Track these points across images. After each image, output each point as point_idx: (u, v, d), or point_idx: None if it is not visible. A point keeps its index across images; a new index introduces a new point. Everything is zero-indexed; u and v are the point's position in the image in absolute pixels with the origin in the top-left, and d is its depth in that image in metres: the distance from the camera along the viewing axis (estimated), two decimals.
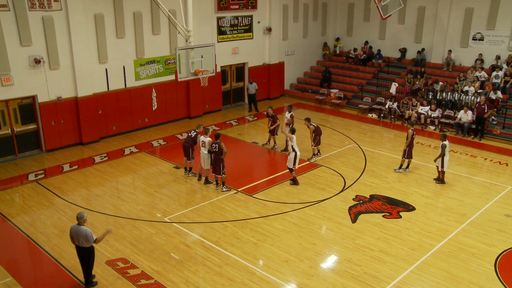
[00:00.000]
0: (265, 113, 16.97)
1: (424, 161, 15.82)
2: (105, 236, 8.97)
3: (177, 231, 11.33)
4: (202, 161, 13.88)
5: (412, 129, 14.67)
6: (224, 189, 13.42)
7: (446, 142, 13.83)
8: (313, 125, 15.53)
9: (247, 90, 22.54)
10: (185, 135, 18.49)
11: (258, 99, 22.84)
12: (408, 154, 14.81)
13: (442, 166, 13.93)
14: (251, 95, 22.25)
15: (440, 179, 14.15)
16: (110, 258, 10.17)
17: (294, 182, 13.90)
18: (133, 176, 14.86)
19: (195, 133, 14.09)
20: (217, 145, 13.12)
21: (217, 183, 13.62)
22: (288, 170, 14.06)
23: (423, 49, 23.59)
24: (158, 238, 11.00)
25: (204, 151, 13.60)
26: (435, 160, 14.14)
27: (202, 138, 13.62)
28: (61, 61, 16.30)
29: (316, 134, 15.64)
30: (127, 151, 16.88)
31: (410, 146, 14.71)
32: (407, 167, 15.04)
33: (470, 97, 19.50)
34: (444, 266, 9.94)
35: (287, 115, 16.45)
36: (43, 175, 14.75)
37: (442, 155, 13.80)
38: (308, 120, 15.61)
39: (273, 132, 16.82)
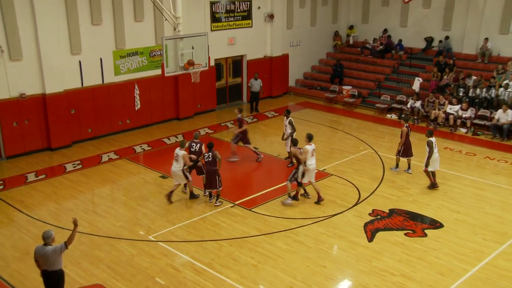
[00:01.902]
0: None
1: (455, 169, 15.77)
2: (75, 232, 8.60)
3: (164, 252, 11.26)
4: (173, 176, 13.54)
5: (406, 126, 15.31)
6: (218, 203, 13.34)
7: (433, 139, 14.18)
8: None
9: (250, 87, 22.45)
10: (173, 140, 18.48)
11: (260, 98, 22.76)
12: (404, 152, 15.37)
13: (427, 165, 14.23)
14: (254, 92, 22.17)
15: (432, 184, 14.44)
16: (83, 284, 10.07)
17: (294, 197, 13.63)
18: (111, 187, 14.82)
19: (198, 145, 13.68)
20: (210, 154, 12.98)
21: (210, 196, 13.56)
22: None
23: (447, 37, 23.59)
24: (140, 260, 10.92)
25: (176, 165, 13.23)
26: (426, 165, 14.37)
27: (176, 150, 13.30)
28: (24, 50, 16.25)
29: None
30: (104, 158, 16.85)
31: (406, 144, 15.25)
32: (408, 168, 15.52)
33: (510, 93, 19.44)
34: None
35: (286, 121, 15.99)
36: (1, 186, 14.68)
37: (431, 154, 14.12)
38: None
39: (240, 140, 16.43)
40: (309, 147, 13.22)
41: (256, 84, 22.13)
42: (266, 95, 24.28)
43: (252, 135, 19.33)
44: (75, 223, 8.69)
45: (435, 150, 14.20)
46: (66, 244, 8.57)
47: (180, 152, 13.27)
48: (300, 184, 13.54)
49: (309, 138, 13.39)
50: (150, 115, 20.06)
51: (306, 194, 13.87)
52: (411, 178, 15.16)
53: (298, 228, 12.29)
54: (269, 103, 23.71)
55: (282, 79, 25.15)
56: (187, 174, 13.43)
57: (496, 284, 10.16)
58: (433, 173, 14.41)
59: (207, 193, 13.69)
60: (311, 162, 13.26)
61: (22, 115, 16.59)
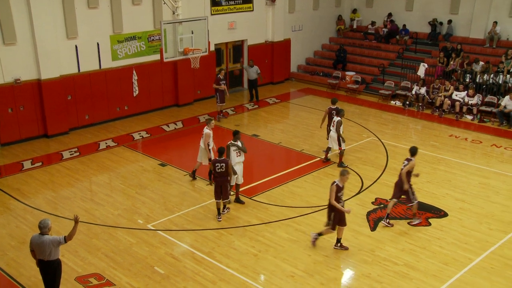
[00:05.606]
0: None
1: (460, 157, 15.76)
2: (76, 228, 8.60)
3: (163, 241, 11.31)
4: (199, 156, 13.95)
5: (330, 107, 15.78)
6: (225, 211, 12.62)
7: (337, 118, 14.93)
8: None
9: (246, 72, 22.40)
10: (172, 126, 18.48)
11: (260, 84, 22.66)
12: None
13: (340, 144, 14.90)
14: (251, 80, 22.06)
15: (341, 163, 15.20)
16: (81, 273, 10.13)
17: None
18: (109, 175, 14.84)
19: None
20: (224, 164, 11.85)
21: (224, 207, 12.50)
22: None
23: (439, 22, 23.81)
24: (139, 249, 10.97)
25: (201, 143, 13.70)
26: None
27: (204, 129, 13.63)
28: (18, 34, 16.17)
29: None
30: (102, 145, 16.86)
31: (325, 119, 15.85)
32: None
33: None
34: (486, 285, 9.88)
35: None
36: None
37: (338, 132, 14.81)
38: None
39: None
40: None
41: (252, 72, 21.82)
42: (268, 81, 24.21)
43: (253, 122, 19.37)
44: (76, 220, 8.67)
45: (330, 128, 15.16)
46: (66, 239, 8.57)
47: (205, 130, 13.56)
48: None
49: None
50: (149, 102, 20.02)
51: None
52: (415, 167, 15.13)
53: (299, 217, 12.33)
54: (270, 89, 23.64)
55: (284, 65, 25.02)
56: (210, 156, 13.55)
57: (501, 273, 10.21)
58: (328, 149, 15.38)
59: (225, 211, 12.51)
60: None
61: (17, 101, 16.56)
